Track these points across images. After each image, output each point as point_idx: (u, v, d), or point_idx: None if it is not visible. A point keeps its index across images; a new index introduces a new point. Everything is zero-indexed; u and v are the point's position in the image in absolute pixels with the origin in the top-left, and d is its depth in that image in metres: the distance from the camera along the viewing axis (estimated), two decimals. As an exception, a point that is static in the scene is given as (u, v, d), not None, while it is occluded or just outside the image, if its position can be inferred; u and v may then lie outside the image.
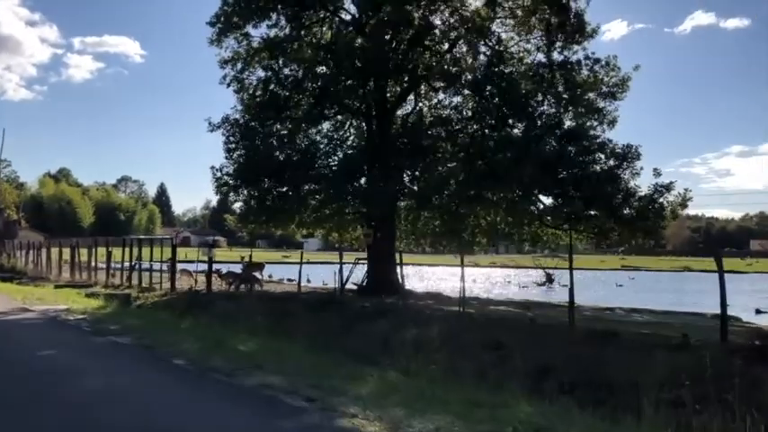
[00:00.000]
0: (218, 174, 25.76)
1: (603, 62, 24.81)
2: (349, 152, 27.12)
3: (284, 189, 24.70)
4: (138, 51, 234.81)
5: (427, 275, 49.74)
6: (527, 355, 10.83)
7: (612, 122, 25.15)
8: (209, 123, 26.75)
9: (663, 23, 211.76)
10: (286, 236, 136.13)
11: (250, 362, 10.36)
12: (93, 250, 34.33)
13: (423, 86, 27.30)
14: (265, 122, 26.00)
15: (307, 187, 24.98)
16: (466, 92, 25.49)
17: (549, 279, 41.81)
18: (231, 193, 28.96)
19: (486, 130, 22.86)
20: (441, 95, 26.99)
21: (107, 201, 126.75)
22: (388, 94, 27.15)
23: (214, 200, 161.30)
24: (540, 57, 25.38)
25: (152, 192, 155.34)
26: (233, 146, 26.42)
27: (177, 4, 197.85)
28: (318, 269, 51.58)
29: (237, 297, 22.41)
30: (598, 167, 21.88)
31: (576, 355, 10.48)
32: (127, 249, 31.54)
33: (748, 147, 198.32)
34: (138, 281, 29.19)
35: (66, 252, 38.38)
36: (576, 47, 25.40)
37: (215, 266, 34.71)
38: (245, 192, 27.43)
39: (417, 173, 25.34)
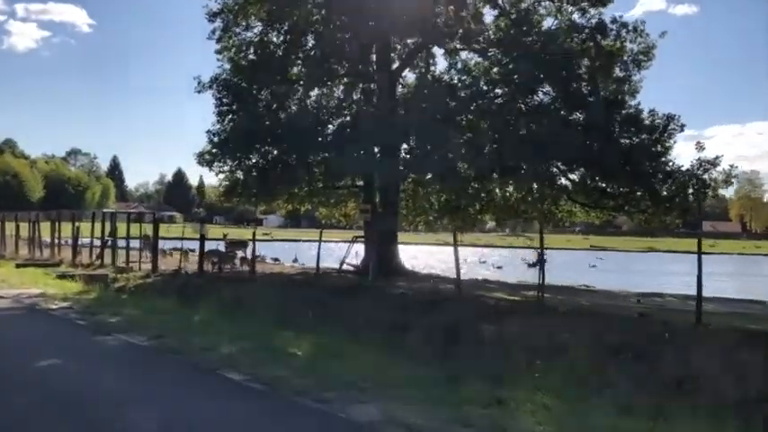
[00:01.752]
0: (215, 139, 22.47)
1: (631, 27, 22.49)
2: (354, 118, 24.19)
3: (288, 157, 21.62)
4: (86, 20, 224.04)
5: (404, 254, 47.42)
6: (672, 362, 8.43)
7: (634, 93, 22.91)
8: (199, 83, 23.50)
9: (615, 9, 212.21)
10: (245, 212, 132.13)
11: (326, 375, 7.68)
12: (57, 225, 30.59)
13: (434, 46, 24.56)
14: (261, 83, 22.86)
15: (311, 156, 21.99)
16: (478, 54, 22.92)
17: (541, 260, 39.90)
18: (216, 163, 25.82)
19: (517, 96, 20.23)
20: (454, 57, 24.26)
21: (57, 174, 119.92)
22: (395, 54, 24.36)
23: (169, 174, 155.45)
24: (566, 19, 22.94)
25: (104, 165, 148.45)
26: (225, 108, 23.24)
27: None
28: (297, 247, 48.51)
29: (238, 280, 19.45)
30: (639, 139, 19.66)
31: (742, 363, 8.09)
32: (88, 225, 28.24)
33: (696, 131, 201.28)
34: (112, 259, 25.89)
35: (20, 227, 34.44)
36: (594, 10, 23.06)
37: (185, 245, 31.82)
38: (237, 161, 24.36)
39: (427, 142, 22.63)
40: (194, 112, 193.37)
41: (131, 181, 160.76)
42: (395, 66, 24.68)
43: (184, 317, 12.70)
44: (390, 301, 14.12)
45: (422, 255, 44.17)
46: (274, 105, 22.50)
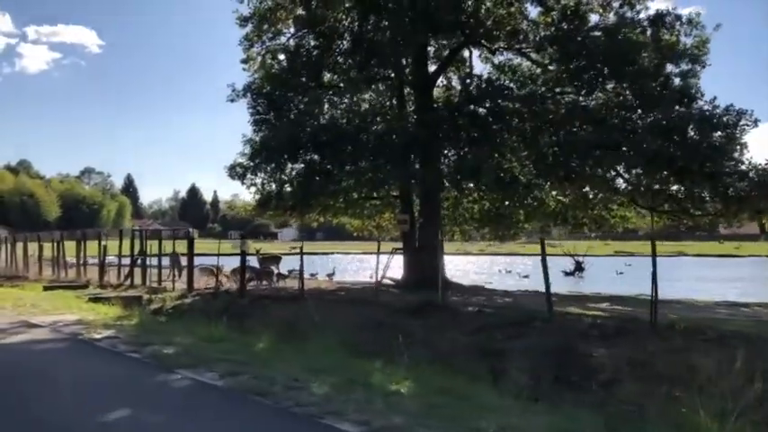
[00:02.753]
0: (251, 148, 21.06)
1: (685, 20, 21.02)
2: (391, 123, 22.74)
3: (332, 165, 20.17)
4: (96, 41, 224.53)
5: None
6: None
7: (697, 89, 21.32)
8: (233, 90, 22.28)
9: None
10: (259, 226, 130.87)
11: (452, 424, 6.19)
12: (83, 244, 29.25)
13: (473, 48, 23.15)
14: (296, 89, 21.47)
15: (353, 165, 20.53)
16: (529, 53, 21.43)
17: (579, 268, 38.18)
18: (249, 175, 24.58)
19: (580, 95, 18.69)
20: (498, 57, 22.81)
21: (71, 193, 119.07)
22: (433, 56, 22.97)
23: (183, 190, 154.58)
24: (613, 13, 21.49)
25: (118, 183, 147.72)
26: (260, 117, 21.89)
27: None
28: (327, 261, 47.12)
29: (285, 300, 17.98)
30: (712, 136, 18.13)
31: None
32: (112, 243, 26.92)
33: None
34: (142, 279, 24.51)
35: (38, 247, 33.04)
36: (639, 5, 21.65)
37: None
38: (277, 171, 23.02)
39: (472, 148, 21.11)
40: (208, 129, 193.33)
41: (144, 198, 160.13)
42: (432, 69, 23.32)
43: (244, 345, 11.20)
44: (470, 322, 12.60)
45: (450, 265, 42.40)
46: (316, 110, 21.08)
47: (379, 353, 10.59)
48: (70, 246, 31.69)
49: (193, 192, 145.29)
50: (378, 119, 21.50)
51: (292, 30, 24.36)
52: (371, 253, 27.31)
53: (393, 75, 22.04)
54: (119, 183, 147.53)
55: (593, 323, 11.65)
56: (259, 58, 27.04)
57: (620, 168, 17.89)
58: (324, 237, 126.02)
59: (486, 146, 18.48)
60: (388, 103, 23.30)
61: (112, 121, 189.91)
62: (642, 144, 15.91)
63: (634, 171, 18.37)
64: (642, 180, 18.81)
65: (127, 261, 26.35)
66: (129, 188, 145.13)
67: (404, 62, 21.74)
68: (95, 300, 19.53)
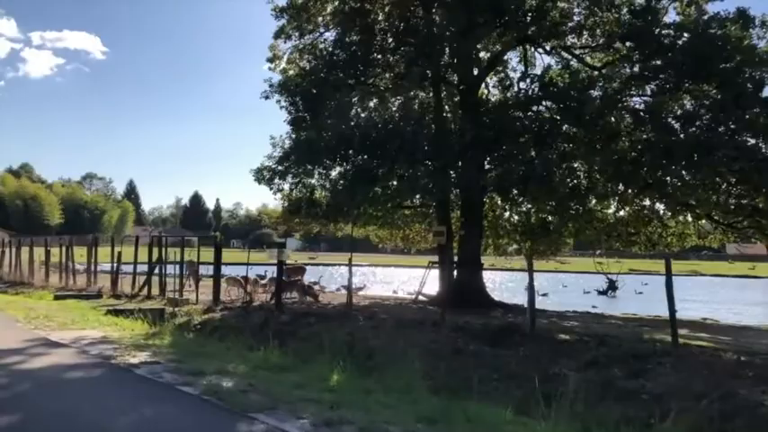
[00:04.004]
0: (287, 149, 19.09)
1: (758, 22, 19.16)
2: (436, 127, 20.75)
3: (382, 168, 18.16)
4: (100, 48, 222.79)
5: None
6: None
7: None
8: (270, 85, 20.30)
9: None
10: (263, 235, 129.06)
11: None
12: (94, 250, 27.15)
13: (529, 45, 21.23)
14: (339, 87, 19.48)
15: (403, 168, 18.50)
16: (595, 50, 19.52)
17: (613, 286, 36.09)
18: (277, 179, 22.68)
19: (666, 97, 16.69)
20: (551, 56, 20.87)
21: (73, 197, 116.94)
22: (485, 54, 21.06)
23: (185, 198, 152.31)
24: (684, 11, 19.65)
25: (119, 189, 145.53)
26: (299, 116, 19.92)
27: (139, 1, 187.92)
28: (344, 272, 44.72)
29: (331, 317, 15.92)
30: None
31: None
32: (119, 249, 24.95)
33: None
34: (160, 289, 22.41)
35: (44, 252, 30.94)
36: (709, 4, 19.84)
37: (236, 272, 28.49)
38: (301, 176, 21.10)
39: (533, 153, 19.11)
40: (211, 137, 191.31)
41: (145, 205, 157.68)
42: (478, 67, 21.40)
43: (315, 377, 9.15)
44: (574, 354, 10.54)
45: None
46: (361, 109, 19.09)
47: (486, 392, 8.61)
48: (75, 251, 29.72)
49: (196, 199, 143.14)
50: (429, 118, 19.43)
51: (329, 23, 22.47)
52: (383, 266, 25.21)
53: (443, 72, 20.05)
54: (120, 188, 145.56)
55: (739, 360, 9.62)
56: (293, 54, 25.21)
57: (705, 176, 15.84)
58: (327, 248, 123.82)
59: (553, 151, 16.51)
60: (436, 103, 21.25)
61: (114, 127, 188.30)
62: (730, 148, 13.98)
63: (732, 179, 16.39)
64: (733, 190, 16.85)
65: (139, 269, 24.35)
66: (132, 194, 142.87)
67: (453, 59, 19.76)
68: (115, 313, 17.46)
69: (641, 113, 16.62)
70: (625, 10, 18.51)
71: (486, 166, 19.70)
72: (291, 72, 24.18)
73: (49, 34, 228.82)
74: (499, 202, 23.53)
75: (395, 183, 18.15)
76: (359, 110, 19.54)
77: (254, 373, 9.26)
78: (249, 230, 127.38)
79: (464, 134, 17.36)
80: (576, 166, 17.21)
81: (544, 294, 35.21)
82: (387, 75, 20.14)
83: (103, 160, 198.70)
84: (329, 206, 19.96)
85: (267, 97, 20.82)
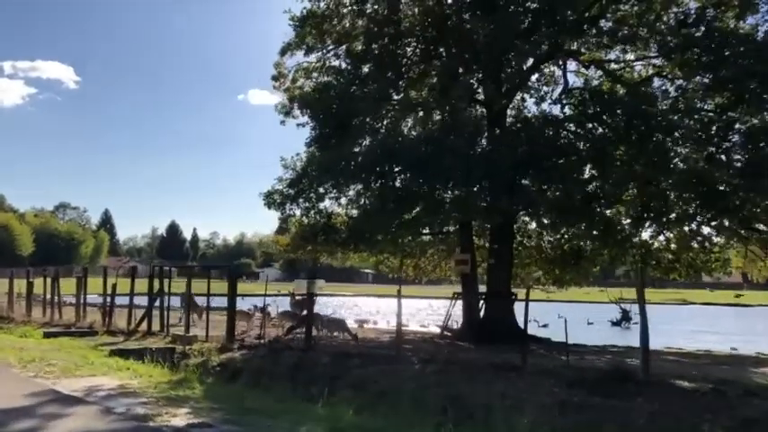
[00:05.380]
0: (316, 171, 17.10)
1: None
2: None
3: (418, 188, 16.17)
4: (73, 77, 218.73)
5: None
6: None
7: None
8: (289, 101, 18.30)
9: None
10: (241, 265, 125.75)
11: None
12: (83, 282, 24.51)
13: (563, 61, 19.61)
14: (372, 101, 17.57)
15: (446, 189, 16.56)
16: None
17: (627, 317, 34.30)
18: (288, 204, 20.69)
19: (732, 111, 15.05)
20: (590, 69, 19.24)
21: (46, 227, 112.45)
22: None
23: (161, 228, 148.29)
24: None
25: (94, 219, 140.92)
26: (324, 132, 17.91)
27: (112, 31, 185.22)
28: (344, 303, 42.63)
29: (377, 358, 13.71)
30: None
31: None
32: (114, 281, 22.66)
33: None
34: (162, 324, 19.99)
35: (27, 284, 28.20)
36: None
37: (246, 305, 26.29)
38: (313, 201, 19.15)
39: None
40: (185, 167, 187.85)
41: (120, 235, 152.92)
42: (505, 86, 19.67)
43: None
44: (715, 406, 8.56)
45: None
46: (400, 126, 17.16)
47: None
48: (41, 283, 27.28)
49: (173, 229, 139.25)
50: (468, 133, 17.51)
51: (341, 38, 20.64)
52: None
53: (479, 86, 18.25)
54: (95, 218, 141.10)
55: None
56: (298, 72, 23.37)
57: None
58: (306, 276, 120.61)
59: (612, 170, 14.73)
60: (479, 117, 19.37)
61: (88, 157, 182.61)
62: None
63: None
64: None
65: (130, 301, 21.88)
66: (107, 224, 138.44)
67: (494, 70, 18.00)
68: (119, 353, 15.06)
69: (711, 128, 14.93)
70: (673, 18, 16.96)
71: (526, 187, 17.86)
72: (297, 91, 22.38)
73: (22, 63, 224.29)
74: (530, 227, 21.71)
75: (427, 204, 16.10)
76: (398, 125, 17.58)
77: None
78: (227, 260, 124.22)
79: (515, 151, 15.51)
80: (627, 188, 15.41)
81: (544, 325, 33.22)
82: (424, 87, 18.27)
83: (77, 190, 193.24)
84: (353, 231, 17.88)
85: (287, 113, 18.88)
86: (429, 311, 40.50)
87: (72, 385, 10.29)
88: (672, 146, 15.11)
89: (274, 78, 24.57)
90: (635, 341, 26.77)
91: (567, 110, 17.41)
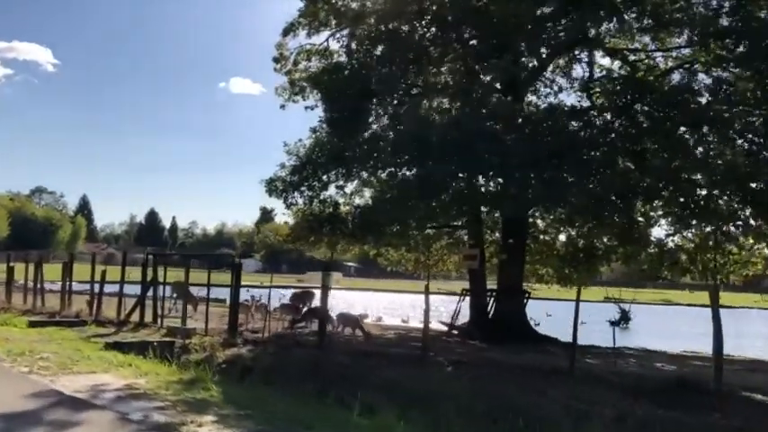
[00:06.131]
0: (327, 156, 16.03)
1: None
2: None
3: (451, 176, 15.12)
4: (51, 60, 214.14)
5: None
6: None
7: None
8: (299, 81, 17.17)
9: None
10: (223, 256, 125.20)
11: None
12: (69, 268, 23.13)
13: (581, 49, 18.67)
14: (394, 83, 16.46)
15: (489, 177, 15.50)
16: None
17: (625, 317, 33.57)
18: (291, 191, 19.64)
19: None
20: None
21: (22, 212, 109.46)
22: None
23: (140, 215, 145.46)
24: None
25: (72, 204, 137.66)
26: (335, 116, 16.81)
27: (90, 13, 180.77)
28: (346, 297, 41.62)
29: (403, 359, 12.72)
30: None
31: None
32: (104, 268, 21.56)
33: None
34: (155, 315, 18.81)
35: (6, 269, 26.77)
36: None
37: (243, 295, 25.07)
38: (315, 190, 18.11)
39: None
40: (164, 152, 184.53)
41: (98, 221, 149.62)
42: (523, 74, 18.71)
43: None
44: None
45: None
46: (427, 110, 16.09)
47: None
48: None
49: (152, 216, 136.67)
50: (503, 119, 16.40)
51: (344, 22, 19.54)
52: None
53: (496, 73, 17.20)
54: (72, 203, 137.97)
55: None
56: (300, 55, 22.30)
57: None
58: (288, 270, 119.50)
59: (652, 162, 13.82)
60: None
61: (66, 141, 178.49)
62: None
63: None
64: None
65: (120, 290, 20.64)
66: (84, 210, 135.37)
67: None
68: (115, 346, 13.87)
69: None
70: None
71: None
72: (298, 74, 21.28)
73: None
74: (540, 222, 20.82)
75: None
76: (421, 108, 16.51)
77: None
78: (207, 250, 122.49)
79: (543, 141, 14.52)
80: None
81: (536, 324, 32.36)
82: (442, 71, 17.21)
83: (54, 174, 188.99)
84: (364, 220, 16.82)
85: (297, 93, 17.76)
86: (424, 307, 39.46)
87: (73, 384, 9.14)
88: (713, 139, 14.27)
89: (275, 60, 23.43)
90: (640, 342, 26.10)
91: (591, 100, 16.45)
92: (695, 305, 69.11)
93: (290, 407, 8.76)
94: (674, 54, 17.44)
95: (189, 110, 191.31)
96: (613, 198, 14.21)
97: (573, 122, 15.96)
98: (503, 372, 10.91)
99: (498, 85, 18.69)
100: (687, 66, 17.15)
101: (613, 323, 33.53)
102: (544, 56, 18.29)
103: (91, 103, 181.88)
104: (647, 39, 17.40)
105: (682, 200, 14.24)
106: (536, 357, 12.65)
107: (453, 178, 15.03)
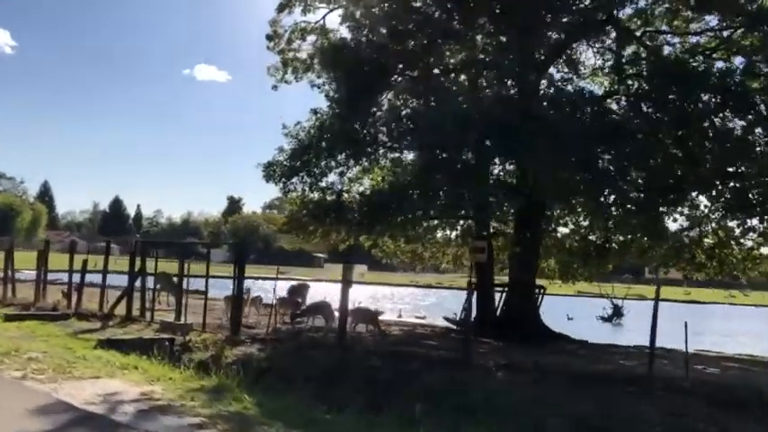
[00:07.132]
0: (337, 137, 14.68)
1: None
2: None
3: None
4: (8, 42, 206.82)
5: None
6: None
7: None
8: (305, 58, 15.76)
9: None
10: (190, 245, 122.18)
11: None
12: (43, 255, 21.30)
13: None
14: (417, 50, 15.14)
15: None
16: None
17: (618, 312, 32.75)
18: (293, 178, 18.36)
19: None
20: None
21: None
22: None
23: (104, 203, 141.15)
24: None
25: (32, 190, 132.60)
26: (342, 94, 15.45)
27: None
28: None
29: (442, 361, 11.47)
30: None
31: None
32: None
33: None
34: (142, 308, 17.25)
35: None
36: None
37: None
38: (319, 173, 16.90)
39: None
40: (128, 139, 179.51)
41: (60, 209, 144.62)
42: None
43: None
44: None
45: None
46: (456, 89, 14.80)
47: None
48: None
49: (117, 204, 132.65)
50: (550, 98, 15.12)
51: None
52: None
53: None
54: (33, 190, 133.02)
55: None
56: (295, 33, 20.99)
57: None
58: (256, 260, 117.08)
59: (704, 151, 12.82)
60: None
61: (25, 126, 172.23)
62: None
63: None
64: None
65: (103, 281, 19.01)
66: (45, 196, 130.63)
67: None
68: (111, 345, 12.33)
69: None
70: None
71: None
72: (292, 53, 19.94)
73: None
74: (556, 214, 19.81)
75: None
76: (451, 86, 15.24)
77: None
78: (173, 238, 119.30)
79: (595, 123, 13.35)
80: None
81: (570, 319, 31.31)
82: (464, 48, 15.94)
83: (13, 160, 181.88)
84: (377, 207, 15.56)
85: (307, 69, 16.29)
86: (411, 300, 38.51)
87: (80, 393, 7.70)
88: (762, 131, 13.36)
89: (269, 38, 22.07)
90: (638, 339, 25.30)
91: (626, 84, 15.41)
92: (667, 300, 69.65)
93: (343, 423, 7.46)
94: (710, 37, 16.51)
95: (153, 95, 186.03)
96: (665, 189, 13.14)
97: (603, 107, 14.89)
98: (548, 375, 9.78)
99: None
100: (708, 54, 16.31)
101: (605, 319, 32.81)
102: (564, 38, 17.20)
103: (51, 87, 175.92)
104: (680, 20, 16.41)
105: (729, 194, 13.29)
106: (555, 358, 11.63)
107: (489, 160, 13.79)
